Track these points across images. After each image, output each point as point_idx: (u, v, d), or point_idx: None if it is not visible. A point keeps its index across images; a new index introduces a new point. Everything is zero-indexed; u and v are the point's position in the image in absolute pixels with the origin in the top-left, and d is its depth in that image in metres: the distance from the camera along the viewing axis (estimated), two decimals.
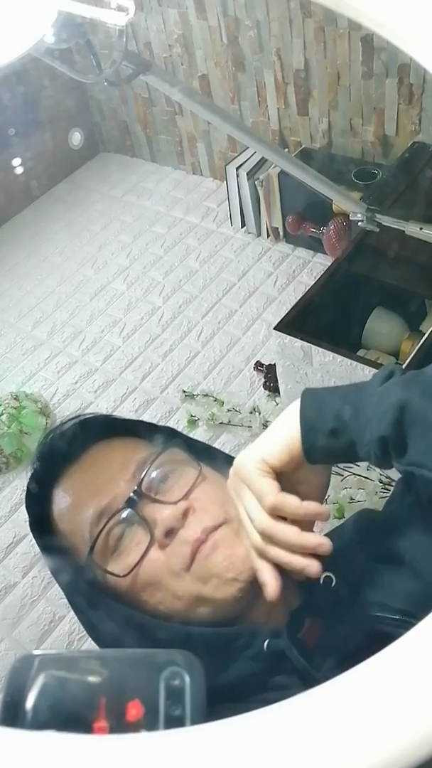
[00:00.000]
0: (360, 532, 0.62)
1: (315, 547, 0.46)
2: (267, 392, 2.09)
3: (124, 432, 0.61)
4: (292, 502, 0.47)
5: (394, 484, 0.67)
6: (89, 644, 0.58)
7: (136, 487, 0.53)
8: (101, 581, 0.54)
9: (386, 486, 1.64)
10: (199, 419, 2.04)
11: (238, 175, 2.51)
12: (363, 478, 1.67)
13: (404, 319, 1.99)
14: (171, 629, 0.51)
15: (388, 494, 1.19)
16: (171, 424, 2.08)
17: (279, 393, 1.97)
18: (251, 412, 2.01)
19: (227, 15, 2.39)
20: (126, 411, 2.18)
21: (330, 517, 0.50)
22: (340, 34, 2.16)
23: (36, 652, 0.29)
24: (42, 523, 0.58)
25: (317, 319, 1.74)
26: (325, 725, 0.21)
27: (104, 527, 0.53)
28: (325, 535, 0.65)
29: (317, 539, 0.46)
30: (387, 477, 1.63)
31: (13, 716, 0.27)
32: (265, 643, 0.50)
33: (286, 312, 1.73)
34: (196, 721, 0.28)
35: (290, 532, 0.46)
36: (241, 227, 2.70)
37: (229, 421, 2.00)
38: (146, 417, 2.13)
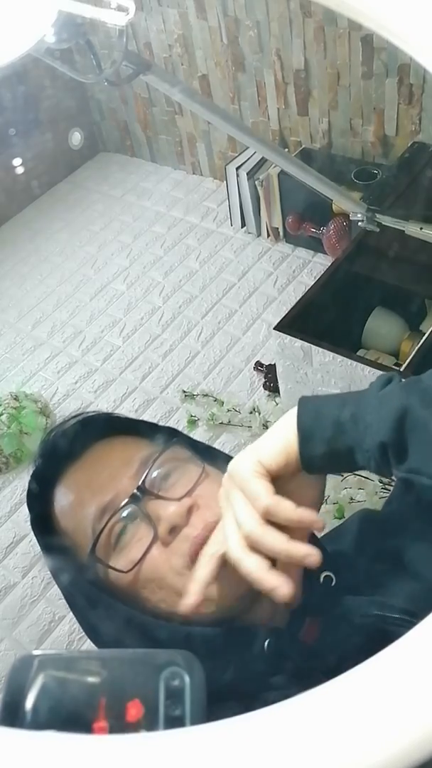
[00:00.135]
0: (360, 532, 0.62)
1: (303, 557, 0.44)
2: (267, 392, 2.09)
3: (126, 430, 0.61)
4: (287, 507, 0.45)
5: (393, 484, 0.67)
6: (89, 644, 0.58)
7: (139, 484, 0.53)
8: (102, 579, 0.54)
9: (386, 486, 1.64)
10: (199, 419, 2.04)
11: (238, 175, 2.51)
12: (363, 478, 1.67)
13: (404, 319, 1.99)
14: (171, 629, 0.51)
15: (388, 494, 1.19)
16: (171, 424, 2.08)
17: (279, 393, 1.97)
18: (251, 412, 2.01)
19: (227, 15, 2.39)
20: (126, 411, 2.18)
21: (324, 527, 0.48)
22: (340, 34, 2.16)
23: (36, 652, 0.29)
24: (44, 521, 0.58)
25: (317, 319, 1.74)
26: (325, 725, 0.21)
27: (107, 523, 0.53)
28: (325, 535, 0.65)
29: (306, 549, 0.44)
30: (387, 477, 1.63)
31: (13, 716, 0.27)
32: (265, 642, 0.50)
33: (286, 312, 1.73)
34: (196, 721, 0.28)
35: (279, 539, 0.44)
36: (241, 227, 2.70)
37: (229, 421, 2.00)
38: (146, 417, 2.13)
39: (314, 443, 0.48)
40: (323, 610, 0.53)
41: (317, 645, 0.51)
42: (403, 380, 0.49)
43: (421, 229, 1.32)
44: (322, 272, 1.87)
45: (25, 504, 0.60)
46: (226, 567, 0.49)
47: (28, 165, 3.12)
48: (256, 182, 2.46)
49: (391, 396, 0.47)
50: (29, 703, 0.28)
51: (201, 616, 0.51)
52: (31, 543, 1.88)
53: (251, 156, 2.50)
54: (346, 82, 2.27)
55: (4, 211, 3.10)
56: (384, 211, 1.38)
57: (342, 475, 1.69)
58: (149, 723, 0.27)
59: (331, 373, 1.65)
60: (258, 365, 2.16)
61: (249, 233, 2.69)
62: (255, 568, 0.44)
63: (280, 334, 1.66)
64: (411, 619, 0.50)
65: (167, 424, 0.65)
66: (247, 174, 2.47)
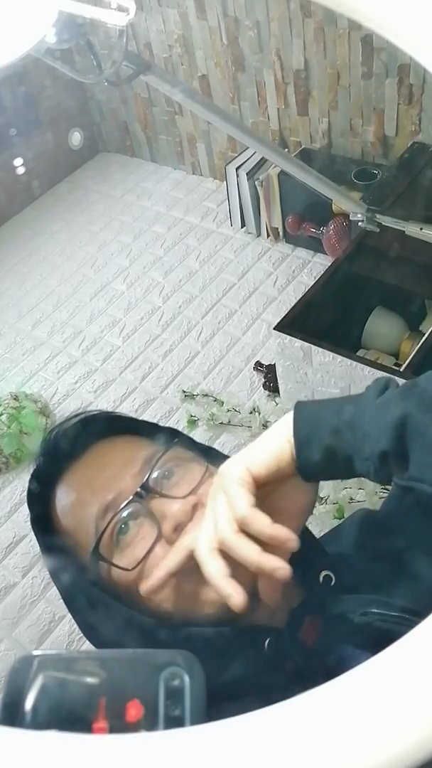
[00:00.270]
0: (358, 531, 0.62)
1: (272, 570, 0.44)
2: (267, 392, 2.09)
3: (128, 430, 0.61)
4: (261, 521, 0.45)
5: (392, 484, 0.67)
6: (89, 645, 0.58)
7: (143, 482, 0.53)
8: (104, 578, 0.54)
9: (386, 486, 1.64)
10: (198, 419, 2.04)
11: (238, 176, 2.51)
12: (363, 479, 1.67)
13: (404, 319, 1.99)
14: (171, 629, 0.51)
15: (387, 494, 1.19)
16: (171, 424, 2.08)
17: (279, 393, 1.97)
18: (251, 413, 2.01)
19: (227, 15, 2.39)
20: (126, 411, 2.18)
21: (295, 544, 0.47)
22: (340, 34, 2.16)
23: (35, 652, 0.29)
24: (44, 520, 0.58)
25: (317, 319, 1.74)
26: (325, 725, 0.21)
27: (110, 521, 0.52)
28: (325, 534, 0.65)
29: (276, 562, 0.44)
30: None
31: (13, 717, 0.27)
32: (265, 642, 0.50)
33: (286, 312, 1.73)
34: (195, 721, 0.28)
35: (251, 550, 0.44)
36: (241, 227, 2.70)
37: (229, 422, 2.00)
38: (146, 417, 2.14)
39: (311, 451, 0.48)
40: (323, 610, 0.53)
41: (317, 644, 0.51)
42: (400, 385, 0.49)
43: (421, 229, 1.32)
44: (322, 272, 1.87)
45: (26, 504, 0.60)
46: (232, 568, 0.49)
47: (28, 165, 3.12)
48: (256, 182, 2.46)
49: (389, 403, 0.46)
50: (29, 703, 0.28)
51: (202, 617, 0.51)
52: (31, 543, 1.88)
53: (251, 156, 2.50)
54: (346, 82, 2.27)
55: (4, 211, 3.11)
56: (384, 211, 1.38)
57: None
58: (149, 723, 0.27)
59: (331, 373, 1.65)
60: (258, 365, 2.16)
61: (249, 233, 2.69)
62: (215, 572, 0.45)
63: (280, 334, 1.66)
64: (411, 617, 0.50)
65: (167, 424, 0.65)
66: (247, 174, 2.47)
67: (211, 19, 2.44)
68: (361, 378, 1.58)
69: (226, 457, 0.62)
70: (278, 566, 0.44)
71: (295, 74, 2.37)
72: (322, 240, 2.35)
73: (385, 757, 0.20)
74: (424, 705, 0.21)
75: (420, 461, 0.44)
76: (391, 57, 2.10)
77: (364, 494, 1.67)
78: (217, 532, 0.46)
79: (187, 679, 0.29)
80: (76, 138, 3.27)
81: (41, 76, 3.00)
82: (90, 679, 0.29)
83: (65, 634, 1.71)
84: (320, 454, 0.47)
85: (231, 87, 2.60)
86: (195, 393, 2.11)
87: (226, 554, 0.46)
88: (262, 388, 2.11)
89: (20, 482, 2.06)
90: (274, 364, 1.95)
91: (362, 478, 0.49)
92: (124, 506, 0.53)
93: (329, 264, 1.93)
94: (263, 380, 2.11)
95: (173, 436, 0.60)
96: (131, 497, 0.53)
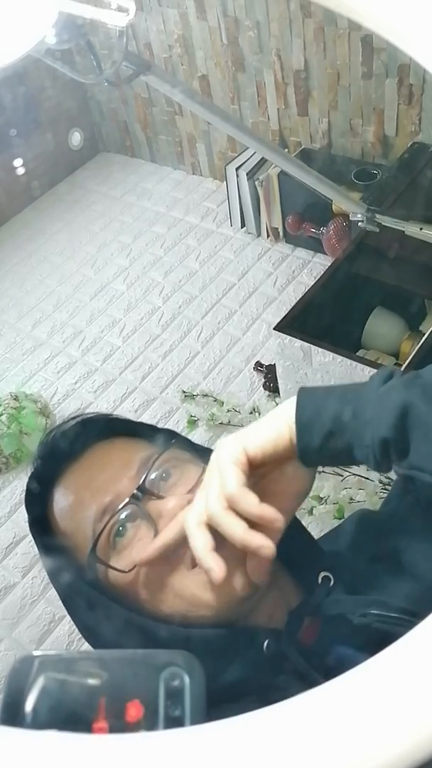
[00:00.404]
0: (358, 532, 0.62)
1: (257, 547, 0.44)
2: (267, 392, 2.09)
3: (126, 432, 0.61)
4: (249, 500, 0.45)
5: (392, 484, 0.67)
6: (88, 646, 0.58)
7: (139, 484, 0.53)
8: (102, 580, 0.54)
9: (386, 486, 1.64)
10: (198, 419, 2.04)
11: (237, 176, 2.51)
12: (363, 479, 1.67)
13: (404, 319, 1.99)
14: (170, 630, 0.51)
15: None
16: (171, 424, 2.08)
17: (279, 393, 1.97)
18: (251, 413, 2.01)
19: (227, 15, 2.39)
20: (126, 411, 2.18)
21: (282, 527, 0.47)
22: (339, 34, 2.16)
23: (35, 653, 0.29)
24: (42, 523, 0.58)
25: (317, 319, 1.74)
26: (324, 726, 0.21)
27: (107, 523, 0.53)
28: (324, 535, 0.65)
29: (261, 540, 0.44)
30: (387, 477, 1.63)
31: (13, 717, 0.27)
32: (264, 643, 0.50)
33: (286, 312, 1.73)
34: (195, 721, 0.28)
35: (237, 526, 0.45)
36: (241, 227, 2.70)
37: (229, 422, 2.00)
38: (146, 417, 2.14)
39: (312, 436, 0.48)
40: (322, 611, 0.53)
41: (316, 645, 0.51)
42: (404, 375, 0.49)
43: (421, 229, 1.32)
44: (322, 272, 1.87)
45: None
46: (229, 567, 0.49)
47: (28, 165, 3.12)
48: (256, 182, 2.46)
49: (393, 392, 0.46)
50: (29, 704, 0.28)
51: (201, 618, 0.51)
52: (31, 543, 1.88)
53: (251, 156, 2.50)
54: (346, 83, 2.27)
55: (4, 211, 3.11)
56: (384, 211, 1.38)
57: (342, 476, 1.69)
58: (149, 723, 0.27)
59: (330, 373, 1.65)
60: (258, 365, 2.16)
61: (249, 233, 2.69)
62: (199, 545, 0.46)
63: (280, 334, 1.66)
64: (410, 618, 0.50)
65: (167, 425, 0.65)
66: (247, 174, 2.47)
67: (211, 19, 2.44)
68: (361, 378, 1.57)
69: None
70: (263, 544, 0.44)
71: (295, 74, 2.37)
72: (322, 240, 2.35)
73: (384, 757, 0.20)
74: (422, 705, 0.21)
75: (421, 450, 0.44)
76: (391, 57, 2.10)
77: (364, 494, 1.67)
78: (207, 508, 0.47)
79: (187, 679, 0.29)
80: (76, 138, 3.27)
81: (41, 77, 3.00)
82: (90, 680, 0.29)
83: (65, 634, 1.71)
84: (320, 440, 0.47)
85: (231, 87, 2.60)
86: (195, 393, 2.11)
87: (216, 532, 0.46)
88: (262, 388, 2.11)
89: (20, 482, 2.06)
90: (274, 365, 1.95)
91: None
92: (121, 508, 0.53)
93: (329, 264, 1.93)
94: (263, 380, 2.11)
95: (170, 437, 0.60)
96: (128, 499, 0.53)
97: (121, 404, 2.22)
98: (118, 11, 0.71)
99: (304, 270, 2.49)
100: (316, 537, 0.62)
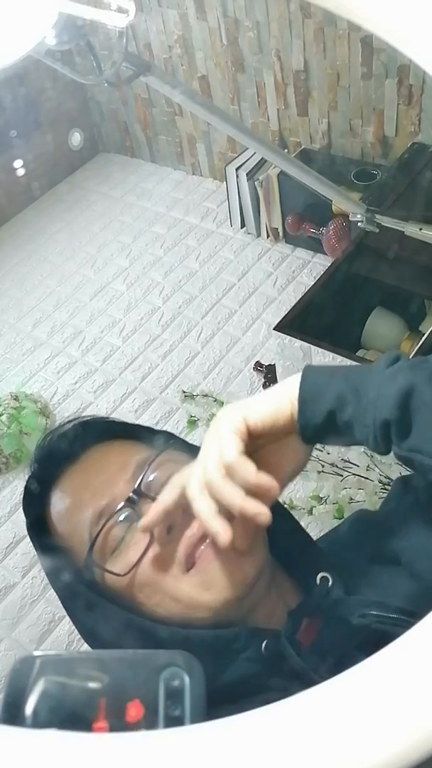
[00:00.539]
0: (357, 532, 0.62)
1: (255, 514, 0.44)
2: None
3: (122, 434, 0.61)
4: (247, 468, 0.45)
5: (392, 484, 0.67)
6: (88, 646, 0.58)
7: (135, 487, 0.54)
8: (99, 582, 0.54)
9: (386, 486, 1.64)
10: (198, 420, 2.04)
11: (237, 176, 2.51)
12: (363, 479, 1.67)
13: (404, 319, 1.99)
14: (169, 632, 0.51)
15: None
16: (171, 424, 2.08)
17: None
18: None
19: (227, 16, 2.39)
20: (126, 411, 2.18)
21: (278, 494, 0.48)
22: (339, 35, 2.16)
23: (36, 653, 0.30)
24: (40, 525, 0.58)
25: (317, 320, 1.75)
26: (323, 725, 0.21)
27: (104, 527, 0.53)
28: (323, 535, 0.65)
29: (258, 507, 0.44)
30: (387, 477, 1.63)
31: (14, 718, 0.28)
32: (263, 644, 0.50)
33: (286, 312, 1.74)
34: (195, 721, 0.28)
35: (235, 493, 0.45)
36: (241, 228, 2.70)
37: None
38: (146, 417, 2.14)
39: (313, 413, 0.48)
40: (320, 611, 0.53)
41: (315, 646, 0.51)
42: (411, 359, 0.49)
43: (420, 229, 1.32)
44: (322, 272, 1.88)
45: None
46: (224, 564, 0.49)
47: (28, 166, 3.12)
48: (255, 183, 2.46)
49: (398, 374, 0.46)
50: (30, 705, 0.28)
51: (199, 620, 0.51)
52: (30, 543, 1.88)
53: (251, 156, 2.50)
54: (345, 83, 2.27)
55: (4, 211, 3.11)
56: (383, 211, 1.38)
57: (342, 476, 1.69)
58: (149, 723, 0.27)
59: None
60: (258, 365, 2.16)
61: (249, 234, 2.69)
62: (204, 510, 0.46)
63: (280, 334, 1.66)
64: (408, 618, 0.50)
65: (167, 425, 0.65)
66: (247, 174, 2.47)
67: (210, 19, 2.44)
68: None
69: None
70: (260, 511, 0.44)
71: (295, 75, 2.37)
72: (322, 240, 2.35)
73: (382, 756, 0.20)
74: (419, 705, 0.21)
75: (422, 433, 0.44)
76: (391, 58, 2.10)
77: (364, 494, 1.67)
78: (205, 474, 0.47)
79: (187, 679, 0.29)
80: (76, 139, 3.27)
81: (41, 78, 3.00)
82: (90, 680, 0.29)
83: (65, 635, 1.71)
84: (322, 418, 0.47)
85: (231, 88, 2.60)
86: (195, 393, 2.11)
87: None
88: (262, 388, 2.11)
89: (20, 482, 2.06)
90: (274, 365, 1.95)
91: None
92: (117, 512, 0.53)
93: (329, 264, 1.94)
94: (263, 380, 2.11)
95: (167, 439, 0.60)
96: (123, 503, 0.53)
97: (121, 404, 2.22)
98: (118, 12, 0.71)
99: (304, 270, 2.50)
100: (315, 537, 0.62)
